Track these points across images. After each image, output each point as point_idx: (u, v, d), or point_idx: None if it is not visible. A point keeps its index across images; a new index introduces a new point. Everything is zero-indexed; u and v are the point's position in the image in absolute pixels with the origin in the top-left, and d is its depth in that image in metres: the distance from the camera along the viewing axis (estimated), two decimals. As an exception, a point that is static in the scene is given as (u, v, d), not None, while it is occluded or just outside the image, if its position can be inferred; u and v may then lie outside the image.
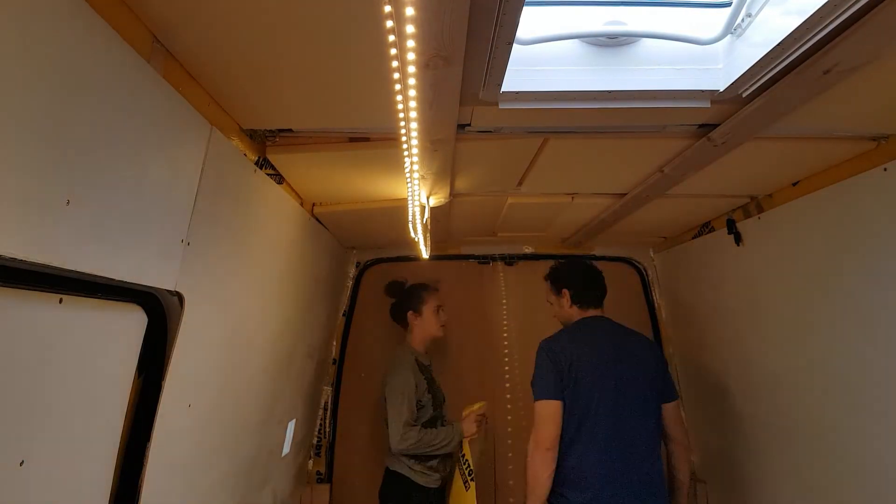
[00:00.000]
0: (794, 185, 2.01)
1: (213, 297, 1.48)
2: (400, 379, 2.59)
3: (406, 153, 1.52)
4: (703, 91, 1.36)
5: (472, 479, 2.46)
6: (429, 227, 2.22)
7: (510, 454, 3.24)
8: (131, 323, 1.22)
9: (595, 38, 1.36)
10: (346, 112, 1.49)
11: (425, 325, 2.82)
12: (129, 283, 1.11)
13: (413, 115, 1.27)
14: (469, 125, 1.56)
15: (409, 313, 2.84)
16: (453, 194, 2.13)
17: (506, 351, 3.39)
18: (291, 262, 2.18)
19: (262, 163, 1.70)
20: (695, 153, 1.68)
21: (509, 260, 3.45)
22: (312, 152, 1.69)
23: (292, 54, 1.16)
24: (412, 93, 1.16)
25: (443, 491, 2.69)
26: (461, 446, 2.61)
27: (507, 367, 3.36)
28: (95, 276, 1.00)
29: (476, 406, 2.67)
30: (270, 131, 1.62)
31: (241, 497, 1.94)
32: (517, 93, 1.35)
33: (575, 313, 2.30)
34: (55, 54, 0.84)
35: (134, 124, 1.05)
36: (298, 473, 2.87)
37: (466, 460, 2.54)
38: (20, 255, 0.81)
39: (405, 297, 2.89)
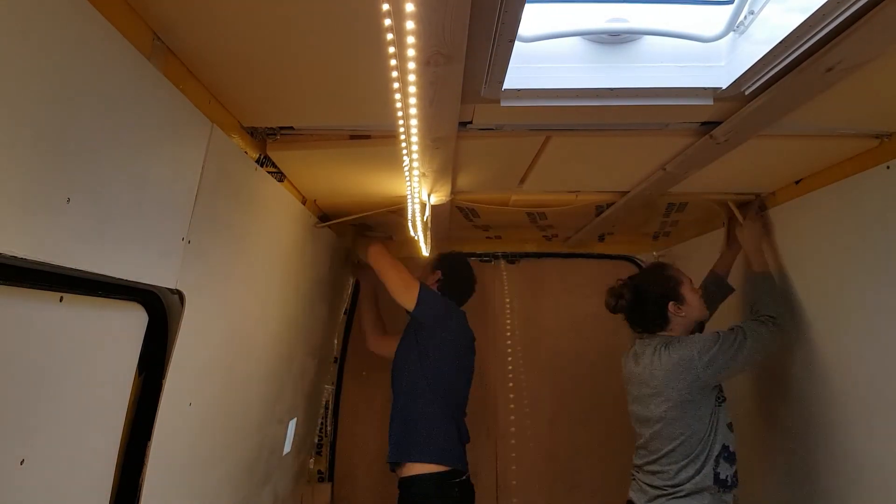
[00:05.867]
0: (797, 182, 2.00)
1: (213, 296, 1.48)
2: None
3: (405, 151, 1.52)
4: (705, 88, 1.35)
5: None
6: (429, 224, 2.22)
7: (513, 454, 3.23)
8: (132, 321, 1.21)
9: (597, 35, 1.35)
10: (348, 109, 1.48)
11: None
12: (129, 281, 1.11)
13: (413, 112, 1.27)
14: (470, 123, 1.55)
15: None
16: (455, 192, 2.13)
17: (509, 350, 3.38)
18: (293, 260, 2.17)
19: (263, 160, 1.69)
20: (697, 151, 1.67)
21: (511, 258, 3.44)
22: (314, 150, 1.69)
23: (293, 51, 1.16)
24: (412, 89, 1.15)
25: None
26: None
27: (510, 367, 3.35)
28: (96, 274, 0.99)
29: None
30: (271, 129, 1.61)
31: (242, 496, 1.94)
32: (519, 90, 1.34)
33: None
34: (55, 52, 0.84)
35: (134, 122, 1.05)
36: (299, 472, 2.87)
37: None
38: (20, 254, 0.81)
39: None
